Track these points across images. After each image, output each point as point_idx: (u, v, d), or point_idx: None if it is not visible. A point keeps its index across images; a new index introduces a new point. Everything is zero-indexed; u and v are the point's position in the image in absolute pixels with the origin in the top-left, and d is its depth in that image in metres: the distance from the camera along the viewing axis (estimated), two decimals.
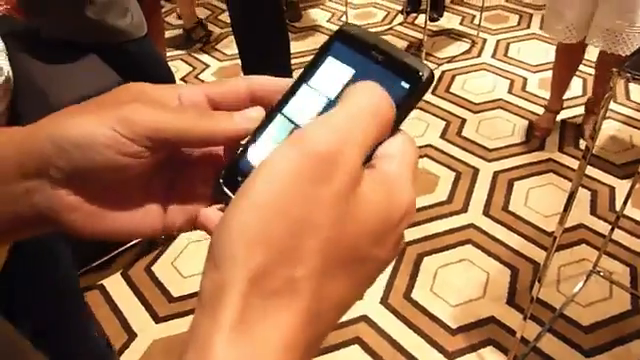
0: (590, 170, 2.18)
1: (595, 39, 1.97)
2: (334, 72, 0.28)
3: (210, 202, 0.29)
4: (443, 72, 3.00)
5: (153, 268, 1.90)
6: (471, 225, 2.02)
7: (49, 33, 1.57)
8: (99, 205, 0.28)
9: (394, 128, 0.25)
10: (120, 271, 1.90)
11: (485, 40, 3.31)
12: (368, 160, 0.25)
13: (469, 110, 2.67)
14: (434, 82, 0.27)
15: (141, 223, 0.29)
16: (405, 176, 0.24)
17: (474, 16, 3.55)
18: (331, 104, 0.27)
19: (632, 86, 2.69)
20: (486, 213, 2.07)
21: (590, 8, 1.95)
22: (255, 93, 0.29)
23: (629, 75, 1.09)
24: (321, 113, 0.27)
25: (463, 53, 3.19)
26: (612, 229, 1.75)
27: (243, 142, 0.28)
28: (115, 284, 1.85)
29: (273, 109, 0.28)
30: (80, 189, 0.27)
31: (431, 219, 2.05)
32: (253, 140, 0.28)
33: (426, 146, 2.42)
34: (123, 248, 1.93)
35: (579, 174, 1.35)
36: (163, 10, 3.42)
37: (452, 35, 3.39)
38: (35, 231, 0.31)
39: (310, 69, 0.28)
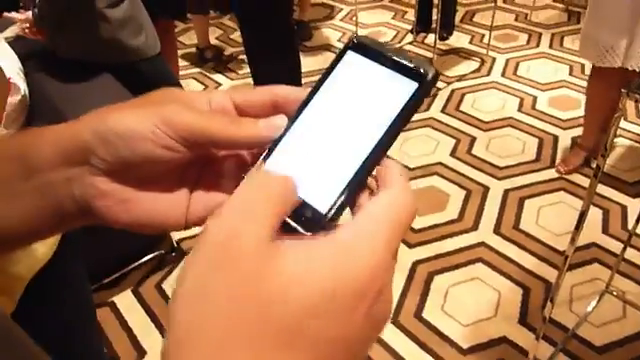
0: (601, 188, 2.16)
1: (636, 62, 1.93)
2: (348, 79, 0.30)
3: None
4: (453, 90, 3.01)
5: (164, 285, 1.91)
6: (482, 243, 2.01)
7: (65, 53, 1.61)
8: (131, 194, 0.30)
9: (400, 130, 0.27)
10: (131, 288, 1.90)
11: (494, 59, 3.32)
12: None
13: (479, 128, 2.68)
14: (436, 83, 0.29)
15: (167, 215, 0.31)
16: (366, 243, 0.23)
17: (483, 35, 3.58)
18: (347, 109, 0.29)
19: None
20: (497, 231, 2.06)
21: (627, 31, 1.92)
22: (278, 101, 0.31)
23: (638, 96, 1.09)
24: (337, 118, 0.29)
25: (473, 72, 3.20)
26: (625, 248, 1.73)
27: (267, 147, 0.30)
28: (126, 301, 1.86)
29: (294, 116, 0.30)
30: (117, 177, 0.30)
31: (442, 237, 2.04)
32: (276, 144, 0.30)
33: (436, 164, 2.43)
34: (134, 265, 1.94)
35: (590, 192, 1.34)
36: (176, 30, 3.48)
37: (461, 54, 3.41)
38: (73, 223, 0.32)
39: (325, 78, 0.31)
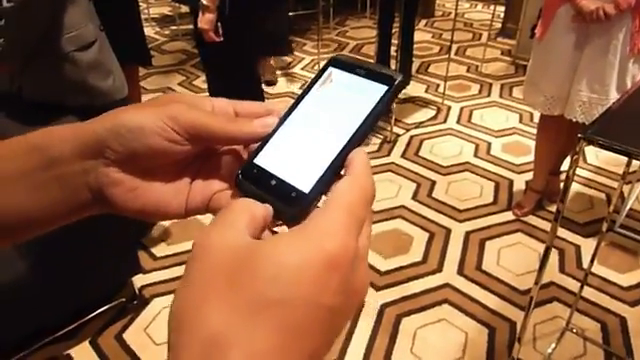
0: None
1: (573, 113, 2.07)
2: (328, 88, 0.35)
3: (223, 188, 0.36)
4: (412, 137, 3.12)
5: (124, 336, 1.83)
6: (447, 285, 2.04)
7: (30, 95, 1.58)
8: (139, 183, 0.34)
9: (373, 126, 0.32)
10: (89, 339, 1.81)
11: (450, 107, 3.49)
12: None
13: (438, 173, 2.77)
14: (404, 87, 0.34)
15: (170, 202, 0.35)
16: (328, 224, 0.26)
17: (438, 85, 3.76)
18: (327, 110, 0.34)
19: (588, 150, 2.86)
20: (460, 272, 2.11)
21: (568, 82, 2.06)
22: (272, 113, 0.36)
23: (594, 141, 1.17)
24: (319, 117, 0.34)
25: (430, 119, 3.34)
26: (582, 286, 1.80)
27: (259, 143, 0.35)
28: (83, 353, 1.76)
29: (282, 118, 0.35)
30: (126, 168, 0.33)
31: (407, 279, 2.07)
32: (266, 141, 0.35)
33: (399, 207, 2.48)
34: (92, 315, 1.85)
35: (552, 235, 1.41)
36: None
37: (418, 102, 3.56)
38: (87, 211, 0.35)
39: (309, 89, 0.36)
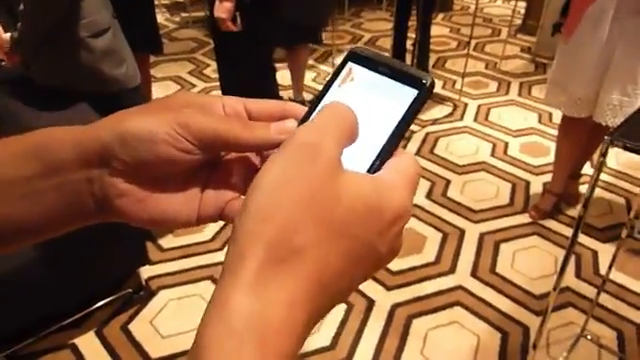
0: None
1: (603, 116, 1.98)
2: (350, 89, 0.32)
3: (236, 197, 0.34)
4: (427, 134, 3.06)
5: (130, 327, 1.81)
6: (459, 287, 2.00)
7: (43, 80, 1.55)
8: (148, 192, 0.32)
9: (405, 131, 0.30)
10: (94, 329, 1.79)
11: (466, 104, 3.42)
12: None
13: (453, 172, 2.72)
14: (433, 90, 0.31)
15: (180, 211, 0.33)
16: (399, 184, 0.28)
17: (455, 81, 3.69)
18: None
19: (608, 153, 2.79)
20: (474, 275, 2.06)
21: (597, 84, 1.97)
22: (288, 111, 0.33)
23: (620, 143, 1.12)
24: None
25: (446, 116, 3.28)
26: (598, 293, 1.75)
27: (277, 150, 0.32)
28: (88, 343, 1.74)
29: (301, 121, 0.32)
30: (134, 178, 0.31)
31: (420, 280, 2.02)
32: None
33: (412, 206, 2.43)
34: (98, 305, 1.83)
35: (572, 242, 1.36)
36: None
37: (435, 98, 3.49)
38: (91, 219, 0.33)
39: (329, 85, 0.33)
